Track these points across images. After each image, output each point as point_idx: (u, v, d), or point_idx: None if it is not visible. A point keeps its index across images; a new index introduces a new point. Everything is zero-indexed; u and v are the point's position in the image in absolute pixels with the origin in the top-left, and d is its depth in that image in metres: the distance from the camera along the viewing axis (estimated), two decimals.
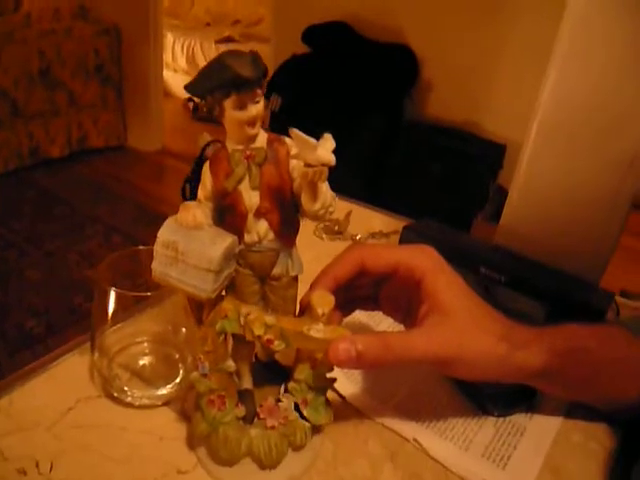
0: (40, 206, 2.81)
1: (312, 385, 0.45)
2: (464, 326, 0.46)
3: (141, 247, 0.53)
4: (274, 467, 0.46)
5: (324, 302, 0.43)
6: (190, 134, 3.68)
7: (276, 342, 0.42)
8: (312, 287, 0.47)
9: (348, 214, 0.86)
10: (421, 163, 2.51)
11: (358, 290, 0.50)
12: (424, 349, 0.44)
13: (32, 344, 1.86)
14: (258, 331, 0.42)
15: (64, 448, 0.48)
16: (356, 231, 0.84)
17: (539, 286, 0.65)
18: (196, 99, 0.37)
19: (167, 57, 4.51)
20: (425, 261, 0.48)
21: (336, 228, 0.84)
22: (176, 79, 4.50)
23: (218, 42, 4.53)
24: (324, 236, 0.83)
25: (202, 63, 4.35)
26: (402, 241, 0.72)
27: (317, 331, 0.42)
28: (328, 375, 0.45)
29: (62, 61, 3.10)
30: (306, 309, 0.45)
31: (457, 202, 2.29)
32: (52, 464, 0.47)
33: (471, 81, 2.74)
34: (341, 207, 0.86)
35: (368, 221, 0.89)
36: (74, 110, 3.24)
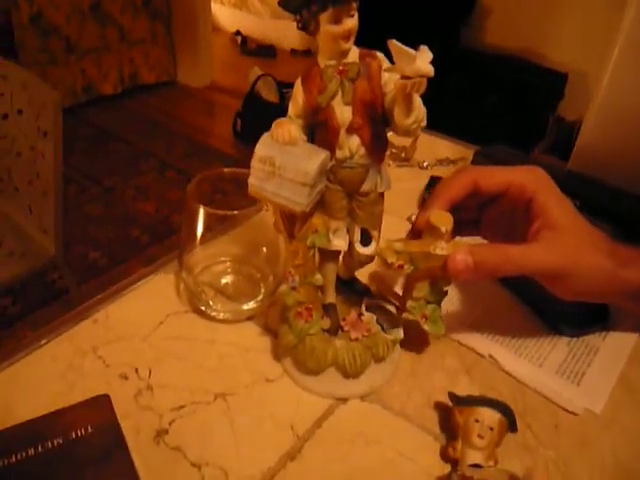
0: (96, 143, 2.88)
1: (430, 300, 0.48)
2: (576, 242, 0.47)
3: (225, 169, 0.54)
4: (357, 377, 0.49)
5: (445, 220, 0.45)
6: (238, 68, 3.65)
7: (406, 266, 0.44)
8: (426, 208, 0.48)
9: (414, 141, 0.85)
10: (477, 93, 2.44)
11: (463, 213, 0.51)
12: (542, 260, 0.46)
13: (98, 274, 1.95)
14: (391, 259, 0.44)
15: (159, 357, 0.52)
16: (423, 158, 0.84)
17: (615, 210, 0.64)
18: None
19: None
20: (536, 180, 0.49)
21: (403, 155, 0.84)
22: (223, 12, 4.43)
23: None
24: (390, 163, 0.83)
25: None
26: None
27: (442, 249, 0.44)
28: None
29: None
30: (424, 230, 0.46)
31: (514, 134, 2.22)
32: (150, 370, 0.50)
33: (531, 6, 2.61)
34: None
35: (434, 148, 0.88)
36: (125, 46, 3.25)
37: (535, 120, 2.37)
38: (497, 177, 0.50)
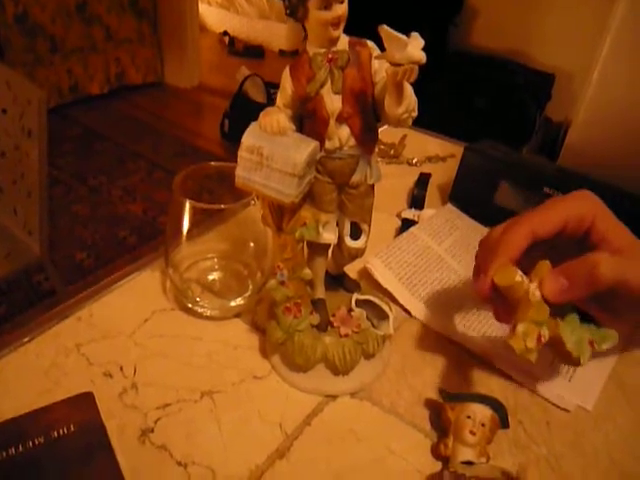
0: (83, 143, 2.85)
1: (578, 327, 0.43)
2: None
3: (212, 163, 0.53)
4: (347, 373, 0.48)
5: (511, 271, 0.41)
6: (226, 69, 3.63)
7: (541, 332, 0.41)
8: (485, 271, 0.44)
9: (403, 138, 0.85)
10: (465, 94, 2.44)
11: None
12: (637, 276, 0.42)
13: (84, 275, 1.93)
14: (530, 342, 0.40)
15: (145, 354, 0.51)
16: (412, 155, 0.83)
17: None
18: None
19: None
20: (592, 206, 0.46)
21: (391, 152, 0.83)
22: (211, 12, 4.40)
23: None
24: (379, 160, 0.82)
25: None
26: (463, 162, 0.71)
27: (535, 288, 0.41)
28: None
29: None
30: (505, 295, 0.42)
31: (502, 135, 2.23)
32: (135, 368, 0.49)
33: (519, 7, 2.62)
34: (396, 131, 0.85)
35: (423, 145, 0.88)
36: (111, 46, 3.22)
37: (522, 121, 2.37)
38: (553, 217, 0.45)
